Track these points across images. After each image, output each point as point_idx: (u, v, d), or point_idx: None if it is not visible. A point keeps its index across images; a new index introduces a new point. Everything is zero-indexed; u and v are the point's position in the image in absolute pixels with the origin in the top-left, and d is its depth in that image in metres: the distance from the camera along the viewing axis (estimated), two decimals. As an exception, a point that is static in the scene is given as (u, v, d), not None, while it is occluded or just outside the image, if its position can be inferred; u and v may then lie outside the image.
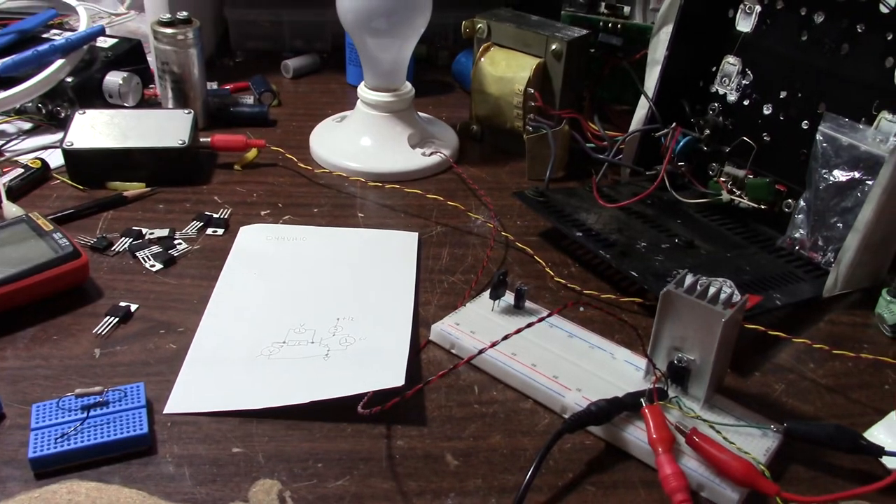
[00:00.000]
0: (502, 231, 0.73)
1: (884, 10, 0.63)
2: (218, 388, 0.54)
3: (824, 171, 0.66)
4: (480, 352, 0.53)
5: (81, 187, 0.77)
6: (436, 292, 0.65)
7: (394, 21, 0.78)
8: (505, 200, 0.79)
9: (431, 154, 0.84)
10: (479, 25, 0.86)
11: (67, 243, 0.63)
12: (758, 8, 0.72)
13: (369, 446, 0.51)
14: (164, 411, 0.52)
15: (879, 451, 0.49)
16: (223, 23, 1.13)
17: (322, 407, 0.52)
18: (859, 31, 0.66)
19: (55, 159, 0.79)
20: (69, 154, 0.76)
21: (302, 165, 0.82)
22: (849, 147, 0.65)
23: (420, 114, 0.90)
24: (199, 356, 0.57)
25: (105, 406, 0.51)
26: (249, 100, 0.97)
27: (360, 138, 0.84)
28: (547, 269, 0.68)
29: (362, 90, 0.84)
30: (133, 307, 0.62)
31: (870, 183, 0.63)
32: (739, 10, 0.74)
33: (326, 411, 0.52)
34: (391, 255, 0.69)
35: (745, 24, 0.74)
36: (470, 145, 0.91)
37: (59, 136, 0.80)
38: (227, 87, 0.99)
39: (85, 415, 0.50)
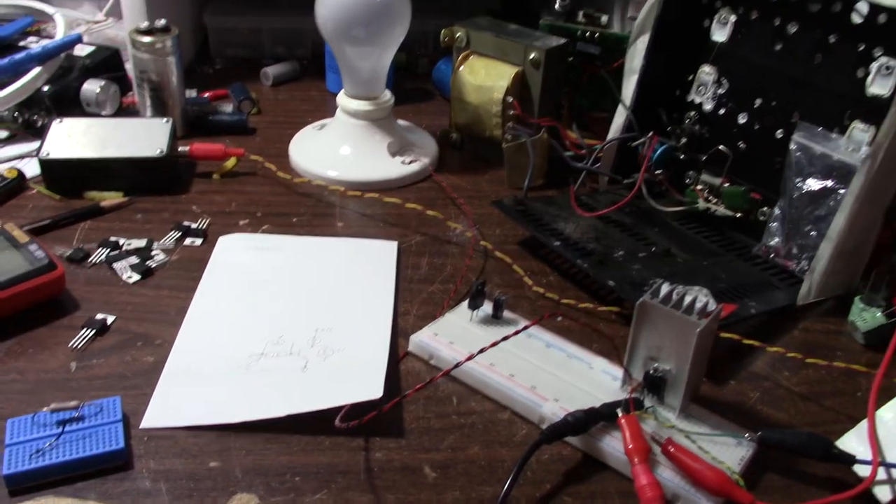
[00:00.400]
0: (481, 240, 0.74)
1: (856, 19, 0.64)
2: (195, 401, 0.54)
3: (798, 179, 0.67)
4: (456, 365, 0.53)
5: (58, 197, 0.76)
6: (415, 302, 0.65)
7: (372, 30, 0.78)
8: (484, 209, 0.79)
9: (411, 162, 0.84)
10: (458, 34, 0.86)
11: (43, 255, 0.62)
12: (733, 18, 0.73)
13: (347, 459, 0.51)
14: (141, 425, 0.52)
15: (851, 459, 0.50)
16: (202, 30, 1.13)
17: (300, 420, 0.52)
18: (832, 41, 0.67)
19: (31, 169, 0.79)
20: (46, 164, 0.76)
21: (281, 174, 0.82)
22: (822, 156, 0.66)
23: (400, 121, 0.90)
24: (177, 369, 0.57)
25: (81, 421, 0.50)
26: (229, 108, 0.97)
27: (340, 147, 0.84)
28: (525, 279, 0.69)
29: (342, 98, 0.84)
30: (110, 319, 0.61)
31: (842, 192, 0.64)
32: (715, 20, 0.75)
33: (304, 424, 0.52)
34: (370, 264, 0.70)
35: (720, 34, 0.74)
36: (450, 153, 0.91)
37: (35, 145, 0.80)
38: (207, 95, 0.99)
39: (60, 430, 0.49)
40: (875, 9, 0.63)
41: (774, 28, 0.70)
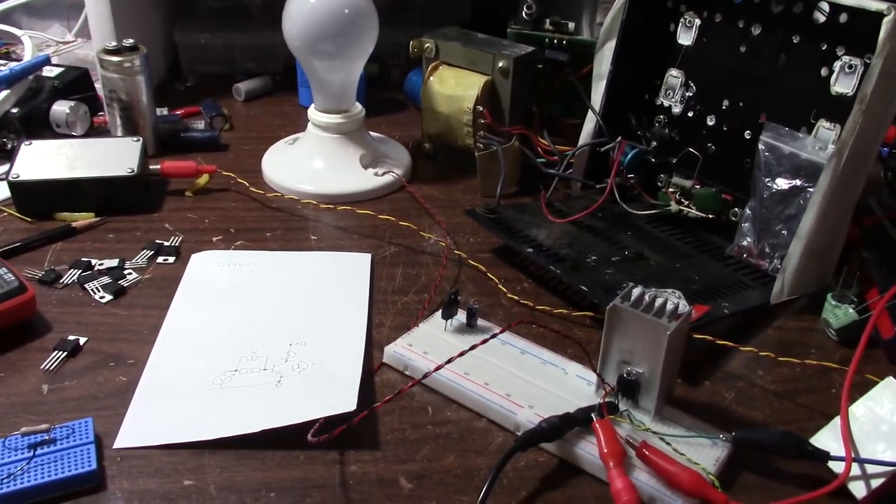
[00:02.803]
0: (455, 249, 0.74)
1: (819, 18, 0.65)
2: (169, 419, 0.54)
3: (767, 179, 0.68)
4: (425, 375, 0.53)
5: (29, 219, 0.76)
6: (389, 313, 0.65)
7: (340, 43, 0.78)
8: (458, 218, 0.79)
9: (384, 174, 0.84)
10: (426, 45, 0.87)
11: (13, 278, 0.62)
12: (697, 21, 0.74)
13: (322, 473, 0.50)
14: (115, 446, 0.52)
15: (825, 456, 0.50)
16: (173, 47, 1.12)
17: (274, 435, 0.51)
18: (795, 41, 0.67)
19: (1, 192, 0.78)
20: (15, 186, 0.75)
21: (254, 190, 0.81)
22: (790, 155, 0.67)
23: (372, 133, 0.90)
24: (150, 388, 0.56)
25: (52, 444, 0.50)
26: (200, 124, 0.97)
27: (312, 160, 0.84)
28: (500, 286, 0.69)
29: (312, 112, 0.84)
30: (82, 340, 0.61)
31: (811, 190, 0.64)
32: (680, 24, 0.75)
33: (279, 439, 0.52)
34: (344, 277, 0.69)
35: (685, 38, 0.75)
36: (423, 163, 0.91)
37: (4, 167, 0.79)
38: (178, 113, 0.98)
39: (32, 453, 0.49)
40: (836, 8, 0.64)
41: (739, 30, 0.71)
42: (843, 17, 0.63)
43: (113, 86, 0.86)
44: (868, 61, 0.61)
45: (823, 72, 0.66)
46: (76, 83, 0.94)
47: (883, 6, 0.58)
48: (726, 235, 0.73)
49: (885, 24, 0.58)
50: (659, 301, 0.52)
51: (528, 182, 0.85)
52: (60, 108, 0.88)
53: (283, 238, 0.75)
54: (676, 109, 0.77)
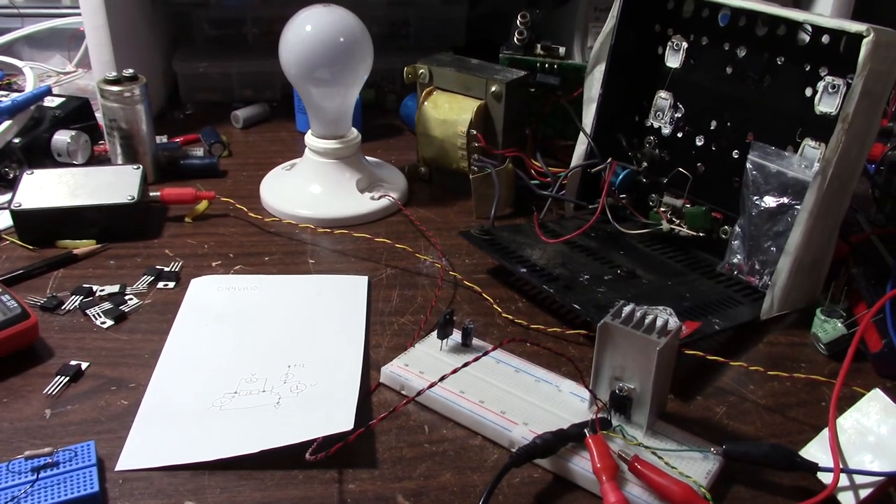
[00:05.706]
0: (450, 270, 0.75)
1: (804, 38, 0.66)
2: (169, 442, 0.55)
3: (756, 197, 0.69)
4: (419, 393, 0.54)
5: (31, 247, 0.77)
6: (386, 334, 0.66)
7: (336, 70, 0.80)
8: (453, 240, 0.80)
9: (380, 198, 0.85)
10: (420, 71, 0.88)
11: (16, 305, 0.63)
12: (684, 44, 0.76)
13: (321, 492, 0.51)
14: (116, 468, 0.52)
15: (814, 467, 0.51)
16: (172, 76, 1.14)
17: (273, 455, 0.52)
18: (779, 63, 0.69)
19: (3, 220, 0.80)
20: (17, 215, 0.77)
21: (252, 215, 0.83)
22: (777, 174, 0.68)
23: (368, 158, 0.92)
24: (151, 411, 0.57)
25: (55, 467, 0.51)
26: (200, 152, 0.98)
27: (310, 185, 0.86)
28: (495, 306, 0.70)
29: (309, 138, 0.85)
30: (84, 365, 0.62)
31: (798, 207, 0.66)
32: (668, 47, 0.77)
33: (278, 459, 0.52)
34: (341, 299, 0.70)
35: (673, 61, 0.77)
36: (419, 187, 0.92)
37: (7, 196, 0.81)
38: (178, 140, 1.00)
39: (35, 477, 0.50)
40: (818, 30, 0.65)
41: (725, 52, 0.73)
42: (825, 39, 0.65)
43: (113, 115, 0.88)
44: (850, 81, 0.63)
45: (808, 92, 0.67)
46: (77, 113, 0.95)
47: (862, 27, 0.60)
48: (717, 253, 0.74)
49: (865, 44, 0.59)
50: (649, 318, 0.53)
51: (522, 203, 0.86)
52: (62, 137, 0.90)
53: (282, 262, 0.76)
54: (666, 130, 0.78)
